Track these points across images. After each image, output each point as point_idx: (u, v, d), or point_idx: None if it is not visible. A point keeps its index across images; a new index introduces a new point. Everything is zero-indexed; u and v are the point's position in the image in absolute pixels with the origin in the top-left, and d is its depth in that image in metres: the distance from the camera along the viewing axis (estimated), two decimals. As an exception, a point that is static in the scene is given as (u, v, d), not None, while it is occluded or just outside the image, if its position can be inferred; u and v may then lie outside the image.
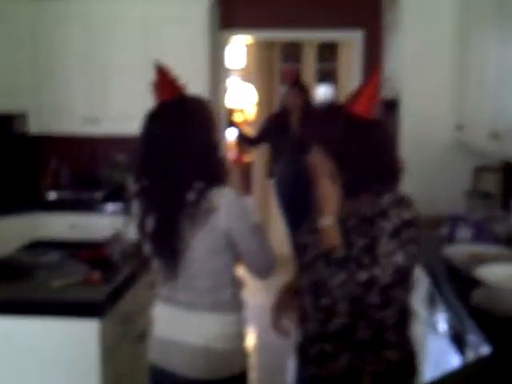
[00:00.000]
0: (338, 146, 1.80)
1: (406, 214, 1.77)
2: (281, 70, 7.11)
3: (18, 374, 2.44)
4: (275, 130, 5.21)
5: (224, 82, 5.30)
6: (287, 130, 5.07)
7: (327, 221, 1.77)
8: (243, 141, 5.44)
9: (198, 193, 1.93)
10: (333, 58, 7.22)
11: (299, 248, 1.98)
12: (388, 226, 1.76)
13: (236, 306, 2.08)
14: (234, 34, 5.21)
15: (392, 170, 1.89)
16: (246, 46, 7.05)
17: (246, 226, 1.98)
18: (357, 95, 1.87)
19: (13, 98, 4.68)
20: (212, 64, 4.85)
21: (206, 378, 1.99)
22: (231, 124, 5.33)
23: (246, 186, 6.74)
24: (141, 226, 2.03)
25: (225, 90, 5.34)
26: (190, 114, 1.99)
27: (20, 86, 4.70)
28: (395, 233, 1.75)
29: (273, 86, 7.09)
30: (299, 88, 5.18)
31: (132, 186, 2.08)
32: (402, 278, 1.80)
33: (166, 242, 1.97)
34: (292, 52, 7.19)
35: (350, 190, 1.83)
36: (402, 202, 1.81)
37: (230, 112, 5.38)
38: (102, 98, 4.79)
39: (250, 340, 4.49)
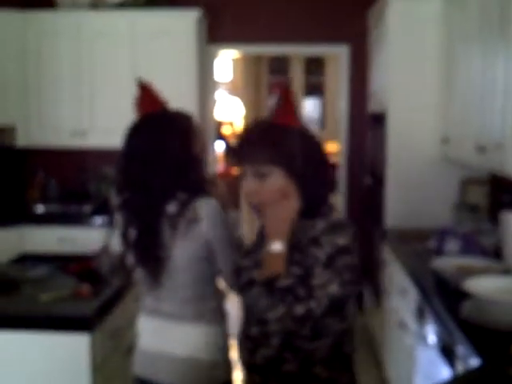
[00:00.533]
0: (299, 163, 1.70)
1: (341, 241, 1.67)
2: (268, 83, 7.17)
3: (6, 389, 2.42)
4: None
5: (212, 95, 5.32)
6: None
7: (278, 246, 1.69)
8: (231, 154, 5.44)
9: (180, 204, 1.95)
10: (320, 72, 7.29)
11: (236, 270, 1.86)
12: (321, 255, 1.66)
13: (219, 316, 2.09)
14: (221, 49, 5.23)
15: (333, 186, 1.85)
16: (234, 60, 7.09)
17: (225, 236, 2.00)
18: (286, 110, 1.77)
19: (0, 111, 4.66)
20: (200, 77, 4.87)
21: None
22: (219, 137, 5.34)
23: (234, 199, 6.74)
24: (124, 238, 2.05)
25: (213, 103, 5.35)
26: (170, 127, 2.02)
27: (8, 98, 4.69)
28: (329, 262, 1.65)
29: (260, 99, 7.15)
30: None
31: (114, 198, 2.10)
32: (337, 308, 1.70)
33: (148, 251, 1.99)
34: (279, 66, 7.25)
35: (308, 211, 1.73)
36: (336, 227, 1.70)
37: (219, 125, 5.39)
38: (90, 110, 4.78)
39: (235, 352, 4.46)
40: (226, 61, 6.95)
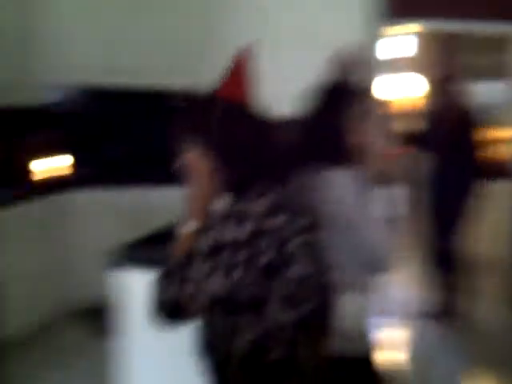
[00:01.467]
0: (217, 138, 1.55)
1: (240, 230, 1.46)
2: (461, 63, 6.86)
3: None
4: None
5: (390, 70, 5.20)
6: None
7: (189, 226, 1.55)
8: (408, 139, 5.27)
9: None
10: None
11: None
12: (203, 245, 1.46)
13: None
14: (402, 23, 5.07)
15: (278, 164, 1.63)
16: (416, 34, 6.87)
17: None
18: (226, 80, 1.66)
19: (186, 76, 4.80)
20: (376, 51, 4.78)
21: None
22: (390, 114, 5.21)
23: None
24: None
25: (389, 80, 5.24)
26: None
27: (191, 63, 4.83)
28: (211, 253, 1.44)
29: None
30: (451, 87, 4.82)
31: None
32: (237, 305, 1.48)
33: None
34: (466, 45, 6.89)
35: (238, 188, 1.55)
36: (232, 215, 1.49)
37: (394, 102, 5.26)
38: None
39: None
40: (410, 36, 6.76)
